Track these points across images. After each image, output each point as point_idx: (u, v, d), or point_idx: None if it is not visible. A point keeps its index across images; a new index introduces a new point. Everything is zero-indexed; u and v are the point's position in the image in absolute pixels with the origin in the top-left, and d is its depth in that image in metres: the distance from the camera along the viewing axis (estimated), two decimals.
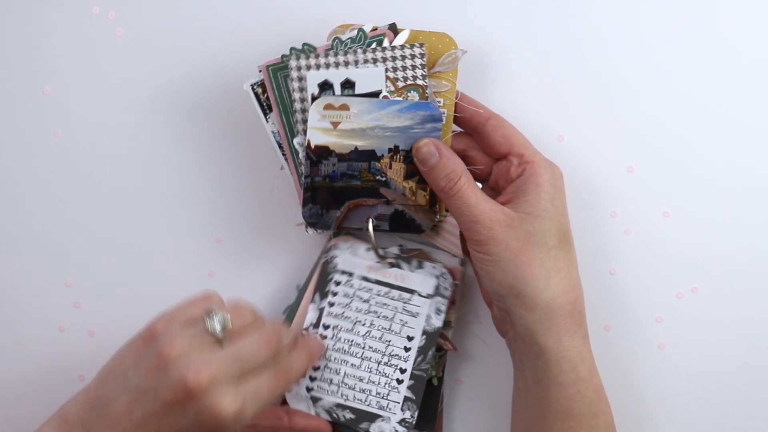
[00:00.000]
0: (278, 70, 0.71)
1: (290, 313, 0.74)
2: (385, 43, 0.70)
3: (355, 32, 0.70)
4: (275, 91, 0.71)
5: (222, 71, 0.76)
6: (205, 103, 0.77)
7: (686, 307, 0.75)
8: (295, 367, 0.67)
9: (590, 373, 0.67)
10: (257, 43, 0.76)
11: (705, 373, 0.75)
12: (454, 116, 0.71)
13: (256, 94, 0.72)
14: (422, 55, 0.69)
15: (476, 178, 0.72)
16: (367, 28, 0.70)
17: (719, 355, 0.75)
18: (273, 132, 0.73)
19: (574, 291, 0.67)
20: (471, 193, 0.67)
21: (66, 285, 0.77)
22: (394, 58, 0.70)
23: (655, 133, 0.75)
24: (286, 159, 0.73)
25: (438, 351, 0.73)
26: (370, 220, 0.72)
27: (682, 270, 0.75)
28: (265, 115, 0.73)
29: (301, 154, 0.71)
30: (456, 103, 0.71)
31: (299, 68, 0.70)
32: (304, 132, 0.71)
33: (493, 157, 0.72)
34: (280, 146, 0.73)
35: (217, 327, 0.62)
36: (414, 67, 0.70)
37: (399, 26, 0.71)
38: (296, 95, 0.71)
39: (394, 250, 0.74)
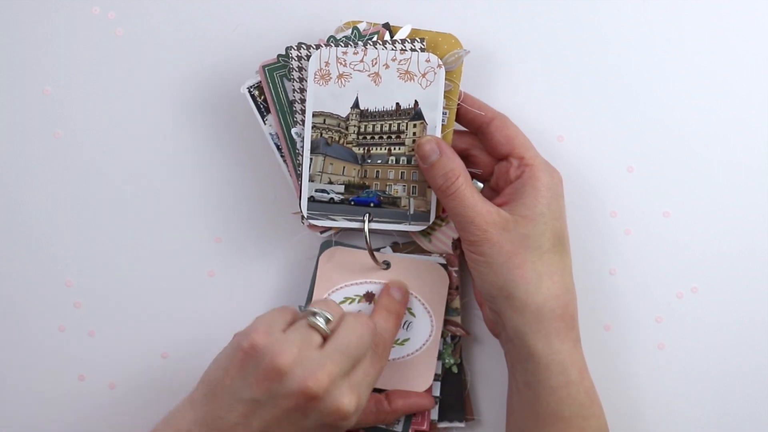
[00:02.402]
0: (275, 70, 0.71)
1: None
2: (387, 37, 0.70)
3: (350, 30, 0.70)
4: (272, 91, 0.71)
5: (222, 71, 0.76)
6: (205, 102, 0.77)
7: (686, 307, 0.75)
8: (387, 337, 0.68)
9: (581, 376, 0.67)
10: (257, 44, 0.76)
11: (705, 373, 0.75)
12: (457, 115, 0.71)
13: (252, 96, 0.72)
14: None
15: (477, 179, 0.72)
16: (362, 26, 0.70)
17: (719, 355, 0.75)
18: (271, 134, 0.73)
19: (566, 295, 0.67)
20: (468, 193, 0.67)
21: (66, 285, 0.77)
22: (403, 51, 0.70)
23: (655, 133, 0.75)
24: (284, 159, 0.73)
25: (453, 339, 0.73)
26: (367, 216, 0.72)
27: (682, 270, 0.75)
28: (263, 117, 0.73)
29: (299, 144, 0.71)
30: (459, 104, 0.71)
31: (300, 58, 0.70)
32: (302, 122, 0.71)
33: (495, 157, 0.71)
34: (278, 147, 0.73)
35: (321, 322, 0.63)
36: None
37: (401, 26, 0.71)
38: (295, 85, 0.71)
39: (388, 250, 0.74)
